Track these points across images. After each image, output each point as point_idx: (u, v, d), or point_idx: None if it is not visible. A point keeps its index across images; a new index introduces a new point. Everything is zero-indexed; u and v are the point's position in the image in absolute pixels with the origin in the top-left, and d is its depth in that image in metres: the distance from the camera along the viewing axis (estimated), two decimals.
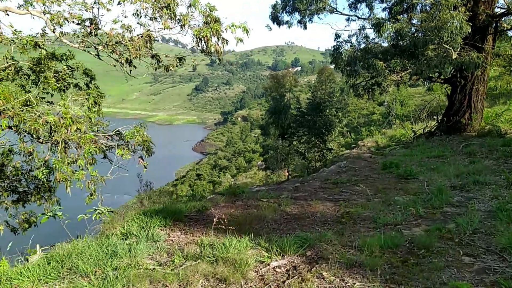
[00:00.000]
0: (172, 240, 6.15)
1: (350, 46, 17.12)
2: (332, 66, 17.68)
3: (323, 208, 7.82)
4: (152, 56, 9.30)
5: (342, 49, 17.00)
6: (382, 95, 37.83)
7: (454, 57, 13.41)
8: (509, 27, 16.47)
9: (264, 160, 33.20)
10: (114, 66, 8.64)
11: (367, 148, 18.85)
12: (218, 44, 8.16)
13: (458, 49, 13.71)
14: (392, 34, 14.41)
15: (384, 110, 54.33)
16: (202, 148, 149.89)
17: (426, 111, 20.05)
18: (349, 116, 74.95)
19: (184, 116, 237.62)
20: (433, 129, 17.23)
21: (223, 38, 8.19)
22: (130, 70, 9.70)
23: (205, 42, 8.36)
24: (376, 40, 17.40)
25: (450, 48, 13.48)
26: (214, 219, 5.95)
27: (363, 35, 17.25)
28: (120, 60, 8.12)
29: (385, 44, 16.58)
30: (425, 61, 14.51)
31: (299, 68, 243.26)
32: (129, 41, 7.85)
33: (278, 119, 29.25)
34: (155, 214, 6.99)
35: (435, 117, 20.96)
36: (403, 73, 15.90)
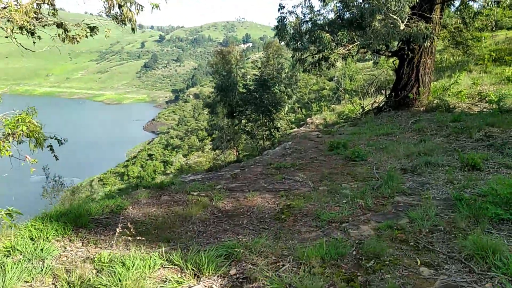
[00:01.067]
0: (66, 256, 4.89)
1: (296, 17, 16.01)
2: (277, 40, 16.54)
3: (262, 201, 6.79)
4: (58, 25, 7.73)
5: (286, 21, 15.86)
6: (331, 70, 37.34)
7: (401, 28, 12.65)
8: None
9: (212, 140, 31.96)
10: (6, 37, 7.02)
11: (315, 126, 18.09)
12: (130, 10, 6.76)
13: (406, 20, 12.97)
14: (338, 4, 13.45)
15: (334, 86, 54.23)
16: (153, 127, 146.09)
17: (374, 85, 19.49)
18: (300, 92, 74.58)
19: (134, 95, 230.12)
20: (381, 105, 16.66)
21: (136, 3, 6.80)
22: (34, 42, 8.08)
23: (118, 8, 6.93)
24: (322, 11, 16.43)
25: (398, 18, 12.70)
26: (118, 228, 4.75)
27: (308, 5, 16.16)
28: (6, 29, 6.53)
29: (331, 16, 15.66)
30: (372, 33, 13.71)
31: (250, 44, 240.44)
32: (15, 4, 6.29)
33: (226, 96, 27.96)
34: (56, 219, 5.68)
35: (383, 92, 20.51)
36: (351, 46, 15.07)
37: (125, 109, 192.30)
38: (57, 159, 8.60)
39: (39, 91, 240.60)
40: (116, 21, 7.09)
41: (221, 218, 6.19)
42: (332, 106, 24.91)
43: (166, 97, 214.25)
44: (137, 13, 6.88)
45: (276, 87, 25.96)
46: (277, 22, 15.98)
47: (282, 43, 16.71)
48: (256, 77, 25.14)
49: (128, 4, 6.68)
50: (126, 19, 6.84)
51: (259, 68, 25.40)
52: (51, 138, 8.38)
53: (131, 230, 4.65)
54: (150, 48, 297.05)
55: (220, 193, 7.23)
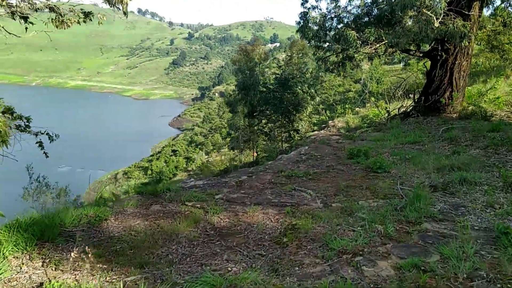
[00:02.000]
0: (17, 280, 4.05)
1: (319, 13, 14.93)
2: (299, 36, 15.50)
3: (263, 217, 5.82)
4: (51, 9, 6.97)
5: (309, 17, 14.79)
6: (358, 72, 36.03)
7: (436, 25, 11.43)
8: None
9: (230, 139, 31.13)
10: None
11: (337, 129, 16.97)
12: None
13: (441, 16, 11.74)
14: None
15: (360, 88, 52.70)
16: (179, 124, 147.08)
17: (402, 88, 18.16)
18: (325, 93, 73.10)
19: (161, 91, 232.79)
20: (409, 110, 15.39)
21: None
22: (26, 28, 7.36)
23: None
24: (349, 8, 15.28)
25: (432, 14, 11.49)
26: (72, 252, 3.87)
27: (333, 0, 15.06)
28: None
29: (358, 11, 14.51)
30: (402, 30, 12.53)
31: (277, 44, 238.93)
32: None
33: (247, 95, 27.06)
34: (25, 228, 4.86)
35: (411, 96, 19.19)
36: (378, 45, 13.87)
37: (152, 105, 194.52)
38: (47, 156, 7.87)
39: (71, 84, 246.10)
40: (109, 4, 6.25)
41: (212, 238, 5.24)
42: (357, 109, 23.67)
43: (192, 94, 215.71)
44: None
45: (299, 87, 24.86)
46: (299, 17, 14.94)
47: (303, 39, 15.65)
48: (277, 75, 24.07)
49: None
50: (117, 1, 5.99)
51: (280, 66, 24.31)
52: (41, 133, 7.64)
53: (90, 256, 3.75)
54: (179, 45, 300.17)
55: (218, 205, 6.29)
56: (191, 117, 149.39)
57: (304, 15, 14.91)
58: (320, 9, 15.13)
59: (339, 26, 14.98)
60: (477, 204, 5.67)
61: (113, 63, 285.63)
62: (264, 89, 24.56)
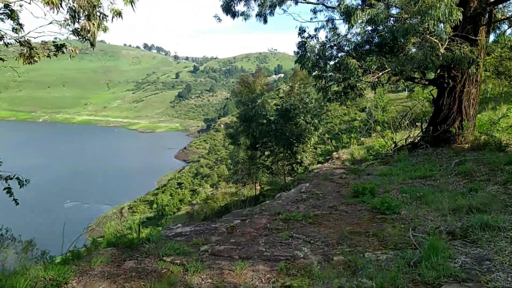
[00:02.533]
0: None
1: (317, 42, 14.36)
2: (299, 67, 14.91)
3: (252, 276, 4.94)
4: (21, 44, 6.37)
5: (307, 46, 14.21)
6: (361, 100, 35.43)
7: (442, 51, 10.75)
8: (503, 17, 13.95)
9: (234, 173, 30.34)
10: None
11: (341, 162, 16.12)
12: (89, 21, 5.26)
13: (446, 42, 11.07)
14: (365, 25, 11.72)
15: (365, 117, 52.01)
16: (184, 156, 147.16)
17: (408, 118, 17.39)
18: (330, 123, 72.53)
19: (167, 124, 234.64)
20: (416, 140, 14.55)
21: (100, 12, 5.32)
22: None
23: (85, 16, 5.47)
24: (349, 36, 14.72)
25: (437, 41, 10.84)
26: None
27: (331, 27, 14.52)
28: None
29: (358, 39, 13.92)
30: (405, 58, 11.87)
31: (282, 75, 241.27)
32: None
33: (249, 127, 26.40)
34: None
35: (418, 124, 18.42)
36: (380, 73, 13.20)
37: (158, 138, 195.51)
38: (17, 203, 7.08)
39: (78, 119, 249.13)
40: (77, 36, 5.61)
41: None
42: (362, 139, 22.87)
43: (198, 126, 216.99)
44: (98, 26, 5.37)
45: (302, 117, 24.17)
46: (297, 47, 14.38)
47: (303, 69, 15.04)
48: (278, 107, 23.42)
49: (86, 12, 5.19)
50: (84, 31, 5.35)
51: (281, 97, 23.66)
52: (10, 178, 6.89)
53: None
54: (184, 78, 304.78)
55: (201, 261, 5.43)
56: (197, 149, 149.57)
57: (302, 45, 14.36)
58: (318, 38, 14.59)
59: (339, 55, 14.40)
60: (504, 257, 4.76)
61: (120, 97, 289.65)
62: (264, 121, 23.88)
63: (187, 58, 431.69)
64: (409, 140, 15.05)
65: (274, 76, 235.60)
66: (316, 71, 14.79)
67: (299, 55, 14.56)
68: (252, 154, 26.59)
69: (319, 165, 17.02)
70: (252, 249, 5.95)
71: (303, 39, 14.35)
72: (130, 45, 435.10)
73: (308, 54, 14.41)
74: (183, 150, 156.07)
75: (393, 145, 15.32)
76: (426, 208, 7.22)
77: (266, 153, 25.44)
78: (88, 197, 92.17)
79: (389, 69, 12.77)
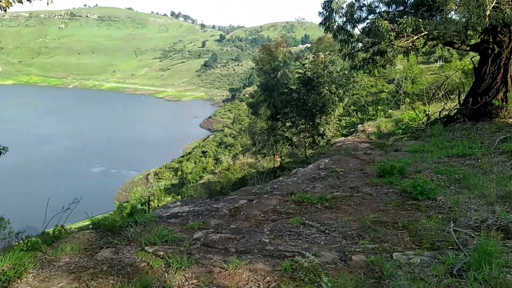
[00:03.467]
0: None
1: (345, 1, 12.86)
2: (322, 30, 13.47)
3: (248, 278, 3.92)
4: None
5: (333, 6, 12.74)
6: (391, 70, 33.52)
7: (489, 10, 9.21)
8: None
9: (253, 144, 29.27)
10: None
11: (366, 135, 14.82)
12: None
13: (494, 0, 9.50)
14: None
15: (393, 88, 49.61)
16: (209, 125, 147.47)
17: (443, 88, 15.78)
18: (357, 94, 70.11)
19: (193, 92, 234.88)
20: (453, 113, 13.09)
21: None
22: None
23: None
24: None
25: None
26: None
27: None
28: None
29: None
30: (446, 19, 10.35)
31: (308, 45, 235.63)
32: None
33: (270, 97, 25.16)
34: None
35: (453, 96, 16.85)
36: (415, 37, 11.71)
37: (184, 106, 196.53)
38: None
39: (106, 86, 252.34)
40: None
41: None
42: (390, 111, 21.35)
43: (223, 95, 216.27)
44: None
45: (327, 87, 22.70)
46: (322, 7, 12.91)
47: (327, 32, 13.60)
48: (300, 75, 21.94)
49: None
50: None
51: (303, 65, 22.11)
52: None
53: None
54: (210, 47, 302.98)
55: (189, 253, 4.44)
56: (222, 118, 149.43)
57: (327, 5, 12.87)
58: None
59: (369, 17, 12.91)
60: None
61: (147, 65, 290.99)
62: (286, 90, 22.50)
63: (213, 27, 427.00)
64: (444, 113, 13.58)
65: (300, 46, 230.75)
66: (342, 35, 13.34)
67: (323, 16, 13.13)
68: (272, 124, 25.40)
69: (342, 138, 15.78)
70: (253, 239, 4.92)
71: None
72: (157, 13, 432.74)
73: (334, 16, 12.97)
74: (208, 119, 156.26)
75: (425, 118, 13.90)
76: (468, 194, 6.02)
77: (288, 124, 24.18)
78: (115, 163, 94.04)
79: (426, 32, 11.27)
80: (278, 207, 6.30)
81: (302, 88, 21.39)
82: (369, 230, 5.06)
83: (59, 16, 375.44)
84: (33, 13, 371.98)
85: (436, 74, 22.65)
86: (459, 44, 12.72)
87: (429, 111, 14.42)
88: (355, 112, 58.77)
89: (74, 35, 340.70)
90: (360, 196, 6.54)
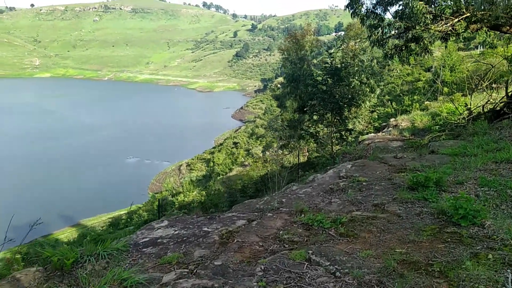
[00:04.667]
0: None
1: None
2: (348, 13, 11.99)
3: None
4: None
5: None
6: (428, 58, 31.39)
7: None
8: None
9: (280, 138, 28.02)
10: None
11: (399, 132, 13.29)
12: None
13: None
14: None
15: (431, 77, 46.81)
16: (241, 116, 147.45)
17: (488, 78, 13.98)
18: (392, 83, 67.14)
19: (225, 83, 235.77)
20: (499, 107, 11.40)
21: None
22: None
23: None
24: None
25: None
26: None
27: None
28: None
29: None
30: None
31: (342, 33, 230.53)
32: None
33: (297, 88, 23.77)
34: None
35: (495, 85, 15.03)
36: (456, 20, 10.11)
37: (216, 97, 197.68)
38: None
39: (140, 78, 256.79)
40: None
41: None
42: (426, 102, 19.55)
43: (255, 86, 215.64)
44: None
45: (357, 77, 21.10)
46: None
47: (354, 17, 12.11)
48: (326, 65, 20.34)
49: None
50: None
51: (330, 54, 20.44)
52: None
53: None
54: (242, 37, 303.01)
55: None
56: (253, 109, 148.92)
57: None
58: None
59: None
60: None
61: (179, 56, 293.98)
62: (311, 81, 21.00)
63: (245, 17, 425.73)
64: (488, 107, 11.90)
65: (334, 34, 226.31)
66: (371, 20, 11.85)
67: None
68: (299, 117, 24.02)
69: (372, 134, 14.29)
70: (238, 286, 3.74)
71: None
72: (189, 4, 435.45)
73: None
74: (239, 109, 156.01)
75: (466, 112, 12.25)
76: None
77: (315, 117, 22.74)
78: (149, 153, 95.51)
79: (468, 14, 9.65)
80: (281, 231, 5.10)
81: (328, 79, 19.90)
82: (393, 274, 3.79)
83: (94, 9, 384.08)
84: (69, 7, 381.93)
85: (478, 61, 20.57)
86: (508, 27, 10.98)
87: (470, 104, 12.74)
88: (389, 102, 56.14)
89: (108, 27, 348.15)
90: (385, 219, 5.24)
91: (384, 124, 17.68)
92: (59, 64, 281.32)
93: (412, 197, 5.87)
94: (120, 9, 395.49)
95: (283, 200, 6.48)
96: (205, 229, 5.33)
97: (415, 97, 50.47)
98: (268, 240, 4.91)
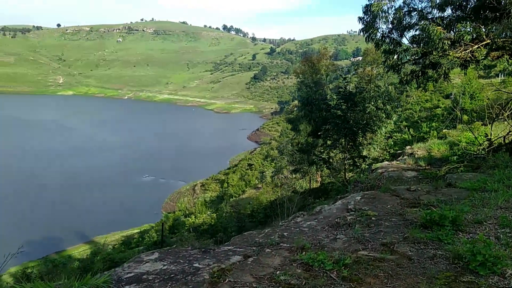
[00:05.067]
0: None
1: (391, 5, 11.02)
2: (363, 37, 11.66)
3: None
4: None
5: (376, 11, 10.92)
6: (446, 84, 30.84)
7: None
8: None
9: (292, 162, 27.56)
10: None
11: (414, 161, 12.72)
12: None
13: None
14: None
15: (450, 104, 45.98)
16: (257, 137, 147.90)
17: (510, 108, 13.39)
18: (410, 109, 66.28)
19: (242, 105, 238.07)
20: None
21: None
22: None
23: None
24: None
25: None
26: None
27: None
28: None
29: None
30: None
31: (360, 58, 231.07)
32: None
33: (311, 112, 23.41)
34: None
35: None
36: (475, 47, 9.66)
37: (232, 118, 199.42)
38: None
39: (159, 97, 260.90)
40: None
41: None
42: (444, 131, 18.92)
43: (272, 108, 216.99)
44: None
45: (373, 102, 20.63)
46: (363, 12, 11.11)
47: (369, 41, 11.75)
48: (340, 89, 19.93)
49: None
50: None
51: (344, 78, 20.02)
52: None
53: None
54: (260, 60, 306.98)
55: None
56: (269, 131, 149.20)
57: (369, 9, 11.08)
58: (394, 0, 11.19)
59: (420, 23, 10.97)
60: None
61: (198, 77, 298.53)
62: (324, 106, 20.57)
63: (264, 40, 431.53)
64: (510, 138, 11.30)
65: (352, 59, 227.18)
66: (386, 44, 11.48)
67: (365, 23, 11.35)
68: (313, 142, 23.56)
69: (385, 163, 13.74)
70: None
71: (371, 1, 11.05)
72: (210, 27, 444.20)
73: (378, 22, 11.15)
74: (255, 131, 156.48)
75: (486, 143, 11.65)
76: None
77: (329, 142, 22.25)
78: (165, 172, 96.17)
79: (489, 41, 9.21)
80: (279, 271, 4.64)
81: (342, 104, 19.48)
82: None
83: (118, 30, 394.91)
84: (94, 27, 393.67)
85: (499, 90, 19.94)
86: None
87: (491, 134, 12.14)
88: (406, 129, 55.30)
89: (130, 48, 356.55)
90: (394, 261, 4.73)
91: (400, 151, 17.10)
92: (82, 82, 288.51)
93: (425, 237, 5.35)
94: (143, 30, 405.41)
95: (285, 233, 6.02)
96: (196, 265, 4.90)
97: (433, 124, 49.57)
98: (263, 281, 4.45)
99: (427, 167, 11.32)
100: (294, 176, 26.99)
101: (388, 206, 6.89)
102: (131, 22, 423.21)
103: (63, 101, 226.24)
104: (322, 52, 26.38)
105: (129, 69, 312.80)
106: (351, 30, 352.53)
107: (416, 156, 13.83)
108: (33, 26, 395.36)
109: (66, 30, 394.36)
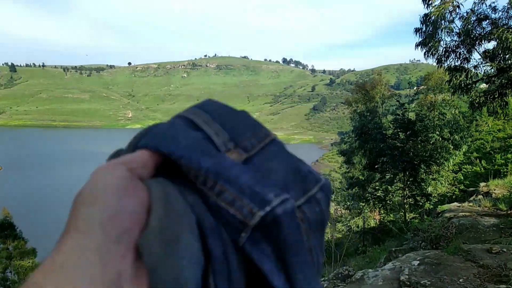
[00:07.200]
0: None
1: (456, 12, 8.97)
2: (422, 52, 9.65)
3: None
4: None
5: (438, 21, 8.90)
6: None
7: None
8: None
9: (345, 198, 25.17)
10: None
11: (492, 203, 10.19)
12: None
13: None
14: None
15: None
16: (316, 168, 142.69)
17: None
18: (481, 140, 60.93)
19: (301, 136, 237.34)
20: None
21: None
22: None
23: None
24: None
25: None
26: None
27: None
28: None
29: None
30: None
31: (423, 87, 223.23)
32: None
33: (366, 143, 21.16)
34: None
35: None
36: None
37: (292, 149, 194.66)
38: None
39: None
40: None
41: None
42: None
43: (332, 139, 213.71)
44: None
45: (437, 132, 18.10)
46: (420, 21, 9.12)
47: (430, 60, 9.69)
48: (397, 116, 17.41)
49: None
50: None
51: (402, 105, 17.45)
52: None
53: None
54: (320, 91, 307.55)
55: None
56: (329, 162, 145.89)
57: (427, 19, 9.07)
58: (459, 7, 9.12)
59: (495, 31, 8.82)
60: None
61: (258, 110, 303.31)
62: (379, 136, 18.21)
63: (324, 71, 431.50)
64: None
65: (416, 88, 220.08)
66: (451, 60, 9.37)
67: (424, 34, 9.34)
68: (368, 176, 21.15)
69: (454, 204, 11.28)
70: None
71: (431, 8, 9.04)
72: (270, 60, 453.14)
73: (439, 33, 9.12)
74: (315, 162, 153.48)
75: None
76: None
77: (387, 176, 19.72)
78: None
79: None
80: None
81: (400, 133, 17.11)
82: None
83: (182, 66, 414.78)
84: (161, 64, 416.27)
85: None
86: None
87: None
88: (478, 160, 50.29)
89: (194, 83, 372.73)
90: None
91: (472, 189, 14.43)
92: (149, 116, 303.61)
93: None
94: (206, 66, 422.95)
95: None
96: None
97: (509, 155, 44.58)
98: None
99: (509, 212, 8.86)
100: (349, 212, 24.53)
101: (460, 280, 4.74)
102: (195, 58, 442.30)
103: (131, 134, 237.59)
104: (376, 78, 24.22)
105: (193, 102, 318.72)
106: (414, 59, 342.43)
107: (494, 195, 11.27)
108: (107, 65, 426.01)
109: (136, 67, 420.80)
